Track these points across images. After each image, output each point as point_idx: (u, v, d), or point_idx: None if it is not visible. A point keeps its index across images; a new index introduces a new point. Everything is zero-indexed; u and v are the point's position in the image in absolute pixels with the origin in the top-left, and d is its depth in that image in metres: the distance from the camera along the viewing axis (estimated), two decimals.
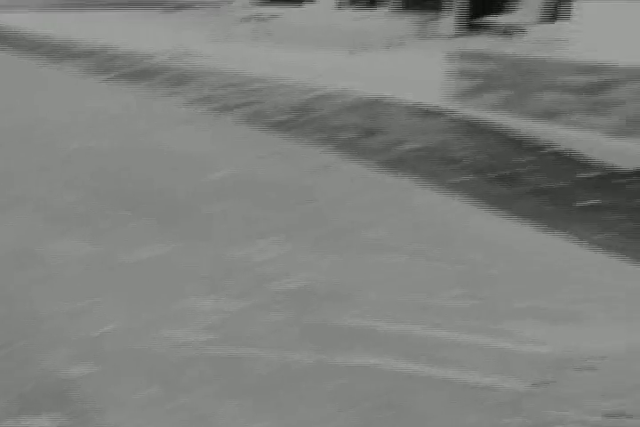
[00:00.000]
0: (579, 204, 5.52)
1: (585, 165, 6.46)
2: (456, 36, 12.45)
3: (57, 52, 14.23)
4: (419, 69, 9.76)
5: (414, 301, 3.85)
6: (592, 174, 6.23)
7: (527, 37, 10.66)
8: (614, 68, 6.85)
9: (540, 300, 3.91)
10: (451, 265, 4.28)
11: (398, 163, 6.37)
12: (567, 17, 9.09)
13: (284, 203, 5.41)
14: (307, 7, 15.28)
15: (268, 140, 7.18)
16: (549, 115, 7.31)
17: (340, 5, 15.07)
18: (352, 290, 3.97)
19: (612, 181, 6.10)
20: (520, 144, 7.00)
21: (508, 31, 11.42)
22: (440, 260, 4.36)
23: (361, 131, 7.30)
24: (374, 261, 4.35)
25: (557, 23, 10.48)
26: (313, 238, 4.71)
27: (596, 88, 6.93)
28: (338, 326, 3.55)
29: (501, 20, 11.89)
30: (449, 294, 3.92)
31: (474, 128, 7.50)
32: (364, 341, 3.42)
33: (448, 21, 12.86)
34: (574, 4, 8.44)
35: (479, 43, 10.94)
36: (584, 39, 8.18)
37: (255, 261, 4.32)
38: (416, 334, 3.50)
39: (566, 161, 6.58)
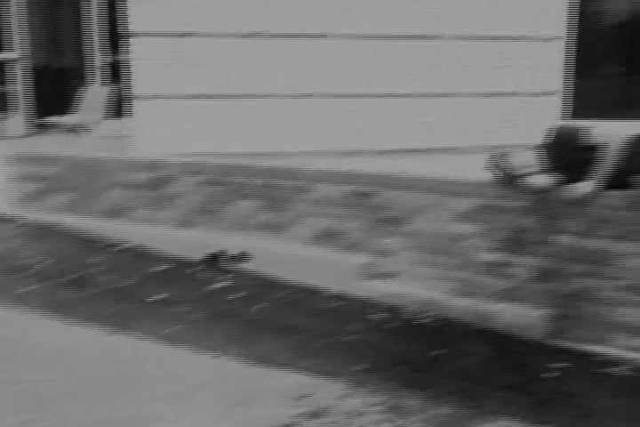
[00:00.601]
0: (150, 299, 5.62)
1: (157, 258, 6.63)
2: (25, 136, 12.20)
3: None
4: None
5: None
6: (163, 268, 6.41)
7: (94, 135, 10.83)
8: (170, 163, 7.21)
9: (112, 408, 3.85)
10: (12, 387, 4.03)
11: None
12: (129, 114, 9.44)
13: None
14: None
15: None
16: (118, 213, 7.42)
17: None
18: None
19: (182, 272, 6.34)
20: (92, 244, 6.96)
21: (76, 130, 11.50)
22: (1, 382, 4.08)
23: None
24: None
25: (121, 120, 10.83)
26: None
27: (158, 183, 7.22)
28: None
29: (70, 119, 11.95)
30: (13, 421, 3.67)
31: (43, 232, 7.29)
32: None
33: (16, 121, 12.57)
34: (134, 102, 8.80)
35: (48, 143, 10.83)
36: (144, 135, 8.52)
37: None
38: None
39: (138, 257, 6.69)
